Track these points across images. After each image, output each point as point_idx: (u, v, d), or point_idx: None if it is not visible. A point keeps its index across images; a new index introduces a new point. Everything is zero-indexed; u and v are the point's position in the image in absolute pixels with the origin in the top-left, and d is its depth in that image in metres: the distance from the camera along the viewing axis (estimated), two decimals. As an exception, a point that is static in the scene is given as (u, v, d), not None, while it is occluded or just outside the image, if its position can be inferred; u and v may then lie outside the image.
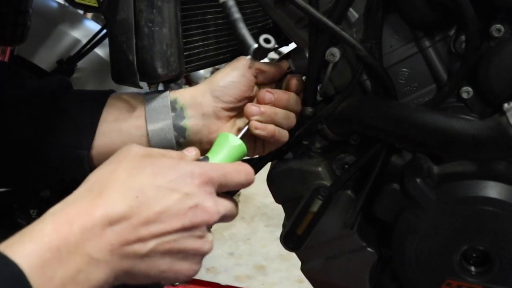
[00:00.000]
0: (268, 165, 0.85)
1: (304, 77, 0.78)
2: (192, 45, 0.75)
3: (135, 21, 0.68)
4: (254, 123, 0.70)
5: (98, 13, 0.69)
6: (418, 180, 0.71)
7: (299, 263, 0.87)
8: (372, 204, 0.78)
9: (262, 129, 0.70)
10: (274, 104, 0.71)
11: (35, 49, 1.20)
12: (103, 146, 0.71)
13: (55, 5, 1.28)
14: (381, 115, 0.71)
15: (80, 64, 1.19)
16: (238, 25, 0.64)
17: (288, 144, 0.78)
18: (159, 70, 0.69)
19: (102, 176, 0.55)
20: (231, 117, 0.73)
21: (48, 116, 0.71)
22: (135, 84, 0.70)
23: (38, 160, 0.71)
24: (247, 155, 0.72)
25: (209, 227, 0.57)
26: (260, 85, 0.74)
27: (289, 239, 0.80)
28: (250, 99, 0.73)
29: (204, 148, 0.69)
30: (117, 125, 0.71)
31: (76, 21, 1.25)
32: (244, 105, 0.72)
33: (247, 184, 0.61)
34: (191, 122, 0.71)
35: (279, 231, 0.81)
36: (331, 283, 0.85)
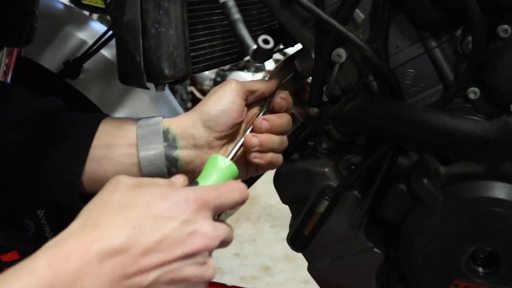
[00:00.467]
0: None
1: (310, 78, 0.78)
2: (198, 46, 0.75)
3: (142, 22, 0.68)
4: (253, 154, 0.70)
5: (104, 14, 0.69)
6: (425, 180, 0.71)
7: (304, 263, 0.87)
8: (379, 205, 0.77)
9: (260, 158, 0.71)
10: (269, 131, 0.72)
11: (42, 51, 1.20)
12: (93, 172, 0.70)
13: (61, 6, 1.28)
14: (388, 116, 0.71)
15: (86, 65, 1.19)
16: (237, 25, 0.64)
17: (294, 145, 0.78)
18: (166, 71, 0.70)
19: (95, 210, 0.53)
20: (223, 145, 0.73)
21: (39, 140, 0.70)
22: (142, 85, 0.70)
23: (28, 184, 0.70)
24: (241, 178, 0.71)
25: (210, 252, 0.55)
26: (249, 105, 0.74)
27: (296, 240, 0.80)
28: (241, 123, 0.73)
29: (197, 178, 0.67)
30: (108, 152, 0.70)
31: (82, 22, 1.25)
32: (236, 131, 0.72)
33: (242, 202, 0.59)
34: (183, 153, 0.70)
35: (284, 231, 0.81)
36: (338, 283, 0.85)
